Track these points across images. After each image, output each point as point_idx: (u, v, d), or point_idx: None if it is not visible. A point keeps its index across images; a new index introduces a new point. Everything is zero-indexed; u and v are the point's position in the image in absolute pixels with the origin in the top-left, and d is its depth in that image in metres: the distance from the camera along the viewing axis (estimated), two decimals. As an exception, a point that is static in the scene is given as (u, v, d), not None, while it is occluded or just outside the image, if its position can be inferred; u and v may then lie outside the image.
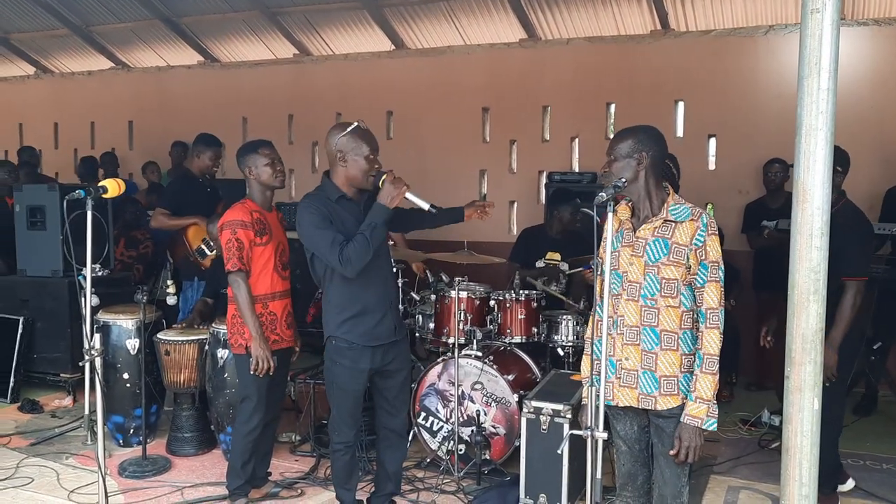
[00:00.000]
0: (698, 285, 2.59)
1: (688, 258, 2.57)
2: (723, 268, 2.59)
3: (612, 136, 6.58)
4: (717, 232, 2.60)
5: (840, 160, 3.45)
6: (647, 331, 2.63)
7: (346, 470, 3.45)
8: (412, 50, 7.56)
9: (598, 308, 2.77)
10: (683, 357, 2.61)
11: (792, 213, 1.89)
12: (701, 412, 2.53)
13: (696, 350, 2.59)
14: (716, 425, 2.54)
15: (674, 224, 2.61)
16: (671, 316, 2.60)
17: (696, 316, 2.61)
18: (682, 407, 2.58)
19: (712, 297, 2.57)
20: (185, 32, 8.14)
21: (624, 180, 2.61)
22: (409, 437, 3.76)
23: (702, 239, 2.56)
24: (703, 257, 2.57)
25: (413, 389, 4.32)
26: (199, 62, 8.49)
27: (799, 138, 1.91)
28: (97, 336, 3.25)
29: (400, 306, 4.51)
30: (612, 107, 6.84)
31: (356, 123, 3.24)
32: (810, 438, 1.93)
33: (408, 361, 3.60)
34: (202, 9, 7.69)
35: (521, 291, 4.66)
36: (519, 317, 4.61)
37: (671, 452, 2.59)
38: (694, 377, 2.56)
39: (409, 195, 3.20)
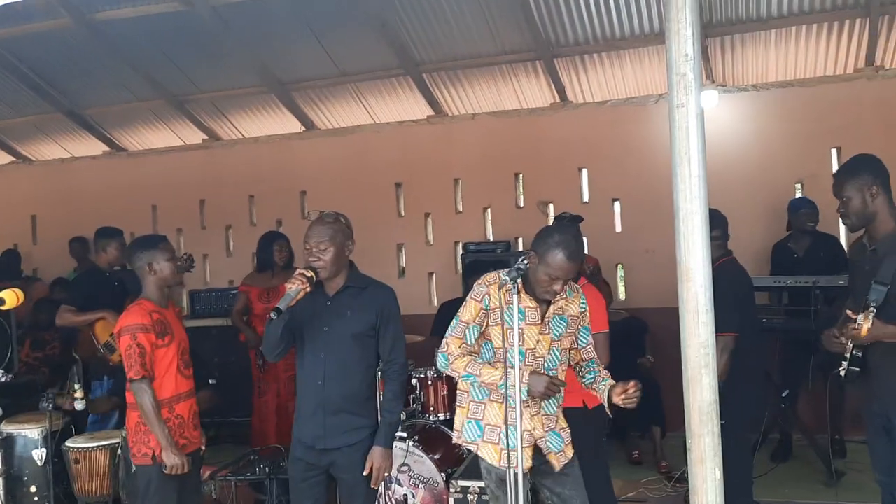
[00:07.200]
0: (582, 345, 3.10)
1: (577, 325, 3.08)
2: None
3: (522, 205, 6.86)
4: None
5: (716, 223, 3.57)
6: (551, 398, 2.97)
7: None
8: (323, 130, 7.64)
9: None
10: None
11: (678, 292, 2.01)
12: None
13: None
14: None
15: (565, 300, 3.04)
16: (563, 377, 3.06)
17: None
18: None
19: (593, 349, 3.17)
20: (89, 124, 8.01)
21: (526, 262, 2.76)
22: None
23: (584, 306, 3.09)
24: (586, 322, 3.10)
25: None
26: (105, 152, 8.34)
27: (677, 222, 2.04)
28: (-2, 452, 3.10)
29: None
30: (521, 177, 7.06)
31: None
32: (716, 506, 2.01)
33: (351, 471, 3.17)
34: (107, 100, 7.58)
35: (441, 368, 4.66)
36: (441, 394, 4.62)
37: None
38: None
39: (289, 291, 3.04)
